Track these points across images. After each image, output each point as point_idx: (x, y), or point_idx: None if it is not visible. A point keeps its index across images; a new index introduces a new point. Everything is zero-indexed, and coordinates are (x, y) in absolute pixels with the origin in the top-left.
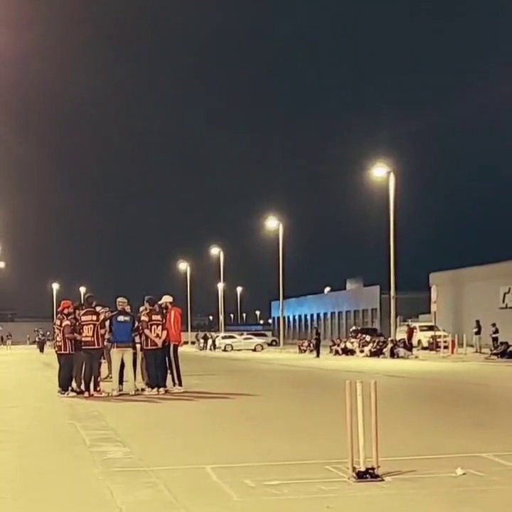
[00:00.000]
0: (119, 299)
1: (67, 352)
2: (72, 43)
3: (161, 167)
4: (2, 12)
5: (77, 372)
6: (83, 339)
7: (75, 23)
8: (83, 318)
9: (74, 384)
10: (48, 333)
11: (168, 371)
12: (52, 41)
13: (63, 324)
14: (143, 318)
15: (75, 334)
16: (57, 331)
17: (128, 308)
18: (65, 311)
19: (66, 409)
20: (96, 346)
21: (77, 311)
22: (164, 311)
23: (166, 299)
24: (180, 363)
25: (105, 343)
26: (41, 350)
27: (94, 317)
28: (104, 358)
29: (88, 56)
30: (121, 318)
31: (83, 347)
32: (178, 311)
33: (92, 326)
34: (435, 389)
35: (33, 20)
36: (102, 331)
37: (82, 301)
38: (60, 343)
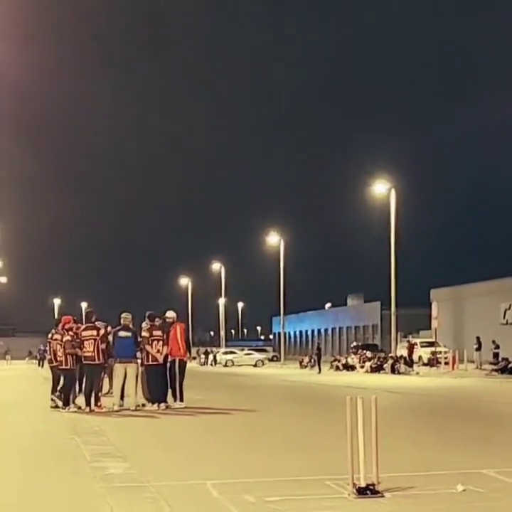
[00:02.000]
0: (123, 315)
1: (68, 367)
2: (79, 57)
3: (163, 183)
4: (9, 28)
5: (76, 387)
6: (84, 354)
7: (83, 38)
8: (84, 333)
9: (81, 399)
10: (41, 348)
11: (169, 386)
12: (59, 56)
13: (64, 339)
14: (144, 333)
15: (76, 349)
16: (58, 345)
17: (131, 324)
18: (66, 326)
19: (67, 424)
20: (97, 361)
21: (77, 326)
22: (169, 326)
23: (170, 314)
24: (184, 379)
25: (107, 358)
26: (41, 365)
27: (95, 332)
28: (105, 373)
29: (95, 71)
30: (122, 333)
31: (84, 362)
32: (182, 327)
33: (92, 341)
34: (436, 405)
35: (41, 36)
36: (103, 346)
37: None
38: (61, 358)
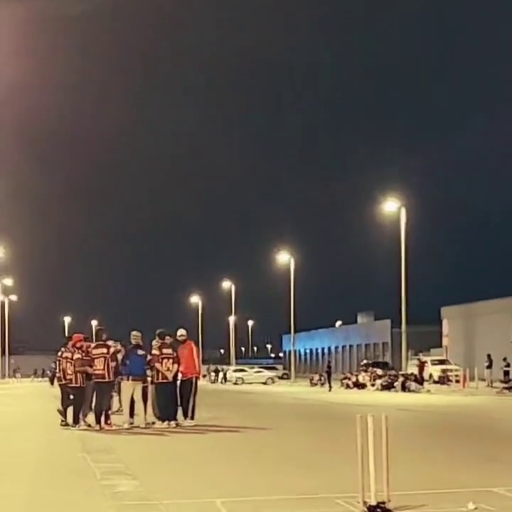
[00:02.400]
0: (133, 333)
1: (79, 385)
2: (86, 71)
3: (174, 200)
4: (17, 43)
5: (87, 404)
6: (95, 372)
7: (89, 52)
8: (94, 351)
9: (91, 417)
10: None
11: (179, 404)
12: (66, 70)
13: (75, 357)
14: (154, 351)
15: (86, 367)
16: (68, 363)
17: (141, 342)
18: (78, 345)
19: (76, 442)
20: (107, 379)
21: (87, 344)
22: (181, 344)
23: (181, 332)
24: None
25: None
26: (52, 383)
27: (105, 350)
28: (115, 391)
29: (104, 84)
30: (140, 352)
31: (94, 380)
32: (195, 346)
33: (103, 359)
34: (446, 423)
35: (48, 50)
36: (113, 364)
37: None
38: (70, 376)
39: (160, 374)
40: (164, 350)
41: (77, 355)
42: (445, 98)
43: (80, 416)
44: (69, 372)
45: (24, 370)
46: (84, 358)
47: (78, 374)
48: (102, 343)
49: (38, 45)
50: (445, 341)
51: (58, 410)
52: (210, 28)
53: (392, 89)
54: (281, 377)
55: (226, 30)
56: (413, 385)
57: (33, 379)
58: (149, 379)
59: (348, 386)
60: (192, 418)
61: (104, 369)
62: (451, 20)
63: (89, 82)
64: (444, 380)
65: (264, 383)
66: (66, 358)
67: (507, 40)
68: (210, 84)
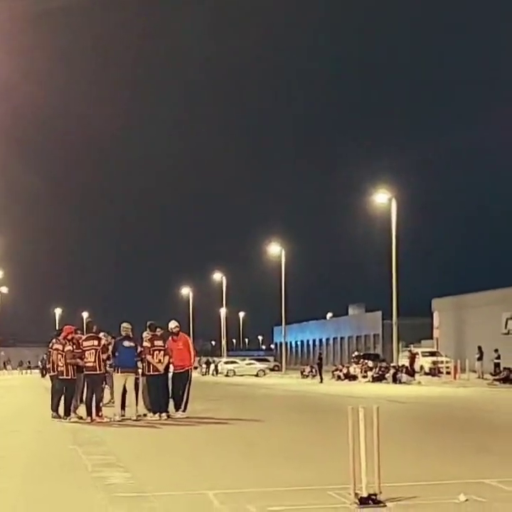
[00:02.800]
0: (123, 325)
1: (69, 377)
2: (76, 69)
3: (163, 192)
4: (4, 40)
5: (78, 396)
6: (85, 364)
7: (78, 51)
8: (85, 343)
9: (82, 409)
10: (42, 357)
11: (170, 396)
12: (55, 68)
13: (65, 349)
14: (145, 343)
15: (77, 359)
16: (59, 355)
17: (131, 334)
18: (69, 337)
19: (68, 434)
20: (98, 371)
21: (77, 336)
22: (173, 336)
23: (173, 324)
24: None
25: (108, 368)
26: (43, 374)
27: (96, 342)
28: (106, 383)
29: (93, 83)
30: (126, 343)
31: (85, 372)
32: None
33: (93, 351)
34: (437, 414)
35: (35, 48)
36: (104, 356)
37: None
38: (61, 368)
39: (151, 366)
40: (155, 342)
41: (68, 347)
42: (438, 91)
43: (71, 408)
44: (60, 364)
45: (14, 362)
46: (75, 350)
47: (69, 366)
48: (93, 335)
49: (27, 43)
50: (436, 333)
51: (53, 416)
52: (207, 27)
53: (384, 83)
54: (272, 369)
55: (222, 29)
56: (404, 377)
57: (20, 371)
58: (140, 371)
59: (339, 378)
60: (184, 410)
61: (95, 361)
62: (449, 16)
63: (81, 79)
64: (434, 371)
65: (256, 375)
66: (57, 349)
67: (504, 36)
68: (204, 81)
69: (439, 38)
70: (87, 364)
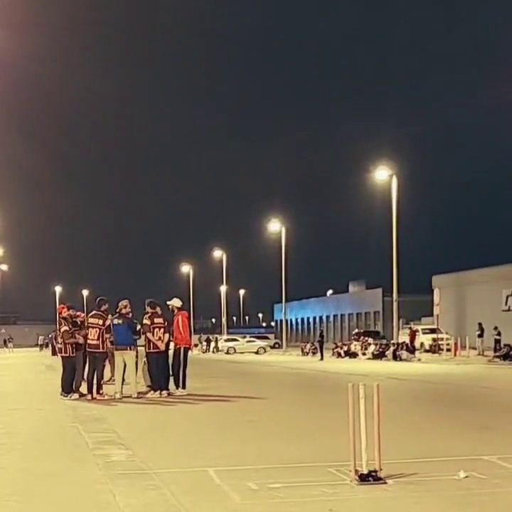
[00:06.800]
0: (120, 302)
1: (68, 355)
2: (75, 45)
3: (164, 170)
4: (4, 15)
5: (80, 374)
6: (88, 342)
7: (78, 26)
8: (90, 320)
9: (84, 387)
10: (51, 335)
11: (171, 374)
12: (54, 44)
13: (62, 330)
14: (145, 321)
15: (76, 338)
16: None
17: (126, 311)
18: (63, 314)
19: (69, 411)
20: (100, 349)
21: (75, 314)
22: (172, 314)
23: (175, 302)
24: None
25: (109, 346)
26: (54, 353)
27: (101, 321)
28: (107, 361)
29: (92, 59)
30: (115, 321)
31: (88, 350)
32: (185, 315)
33: (97, 329)
34: (438, 391)
35: (35, 23)
36: (107, 335)
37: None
38: (60, 347)
39: (151, 343)
40: (155, 320)
41: (64, 328)
42: (437, 66)
43: (73, 386)
44: (60, 341)
45: (16, 340)
46: (73, 328)
47: (68, 345)
48: (98, 313)
49: (27, 19)
50: (436, 310)
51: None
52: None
53: (384, 59)
54: (272, 347)
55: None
56: (404, 354)
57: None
58: (141, 348)
59: (339, 355)
60: (184, 387)
61: (98, 339)
62: None
63: (73, 54)
64: (435, 348)
65: (256, 352)
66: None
67: (498, 15)
68: (201, 59)
69: (443, 15)
70: (90, 342)
